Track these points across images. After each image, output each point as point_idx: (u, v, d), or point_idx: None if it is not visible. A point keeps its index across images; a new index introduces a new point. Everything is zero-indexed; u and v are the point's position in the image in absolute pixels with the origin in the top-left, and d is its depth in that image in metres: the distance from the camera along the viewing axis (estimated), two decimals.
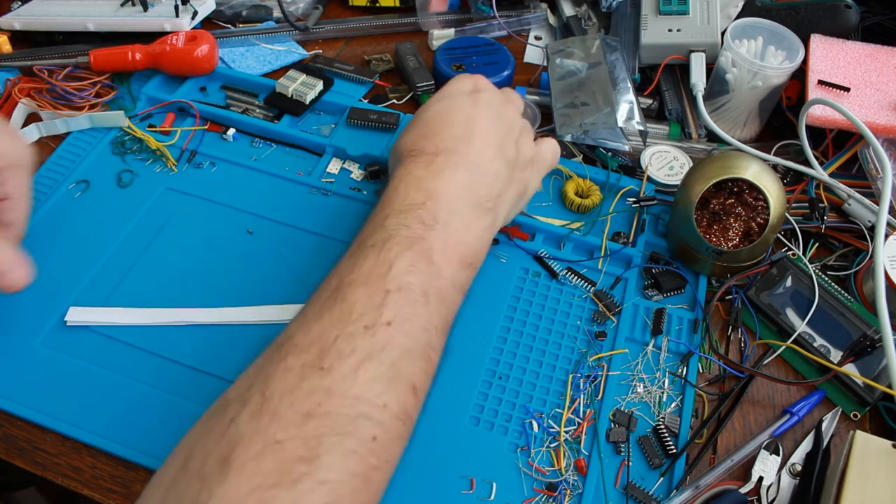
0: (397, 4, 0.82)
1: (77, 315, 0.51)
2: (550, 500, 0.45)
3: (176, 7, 0.71)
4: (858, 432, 0.45)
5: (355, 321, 0.39)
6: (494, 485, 0.46)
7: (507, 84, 0.72)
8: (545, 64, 0.73)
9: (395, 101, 0.72)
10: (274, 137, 0.66)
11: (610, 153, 0.66)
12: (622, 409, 0.50)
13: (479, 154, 0.50)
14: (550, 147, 0.58)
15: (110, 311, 0.52)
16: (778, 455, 0.48)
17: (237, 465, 0.33)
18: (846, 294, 0.55)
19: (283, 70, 0.74)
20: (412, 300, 0.41)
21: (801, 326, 0.54)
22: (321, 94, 0.69)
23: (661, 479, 0.47)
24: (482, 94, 0.54)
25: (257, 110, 0.68)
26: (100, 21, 0.72)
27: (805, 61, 0.66)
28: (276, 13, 0.79)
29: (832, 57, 0.67)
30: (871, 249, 0.56)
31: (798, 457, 0.49)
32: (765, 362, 0.54)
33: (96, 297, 0.53)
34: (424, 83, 0.72)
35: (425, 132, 0.51)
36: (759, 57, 0.67)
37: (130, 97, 0.68)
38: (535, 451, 0.47)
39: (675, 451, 0.48)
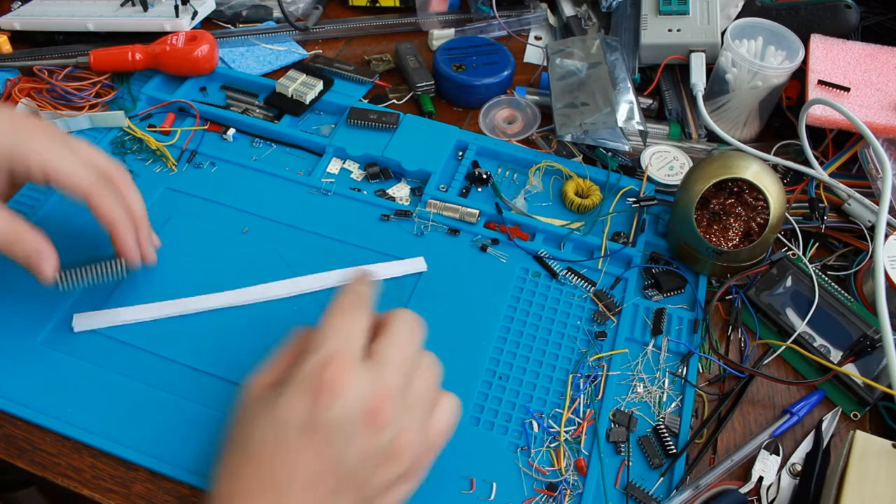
0: (397, 4, 0.82)
1: (83, 321, 0.51)
2: (550, 500, 0.45)
3: (176, 7, 0.71)
4: (858, 432, 0.45)
5: None
6: (494, 485, 0.46)
7: (506, 84, 0.72)
8: (545, 64, 0.73)
9: (395, 101, 0.72)
10: (274, 137, 0.66)
11: (610, 153, 0.66)
12: (622, 409, 0.50)
13: None
14: (446, 417, 0.41)
15: (114, 313, 0.52)
16: (778, 455, 0.48)
17: None
18: (846, 294, 0.55)
19: (283, 70, 0.74)
20: None
21: (801, 326, 0.54)
22: (321, 94, 0.69)
23: (661, 479, 0.47)
24: (322, 414, 0.35)
25: (257, 110, 0.68)
26: (100, 21, 0.72)
27: (805, 61, 0.66)
28: (276, 13, 0.79)
29: (832, 57, 0.66)
30: (871, 249, 0.56)
31: (798, 457, 0.49)
32: (765, 362, 0.54)
33: (96, 296, 0.53)
34: (424, 83, 0.72)
35: (221, 475, 0.37)
36: (759, 57, 0.67)
37: (130, 97, 0.68)
38: (535, 451, 0.47)
39: (675, 451, 0.48)
